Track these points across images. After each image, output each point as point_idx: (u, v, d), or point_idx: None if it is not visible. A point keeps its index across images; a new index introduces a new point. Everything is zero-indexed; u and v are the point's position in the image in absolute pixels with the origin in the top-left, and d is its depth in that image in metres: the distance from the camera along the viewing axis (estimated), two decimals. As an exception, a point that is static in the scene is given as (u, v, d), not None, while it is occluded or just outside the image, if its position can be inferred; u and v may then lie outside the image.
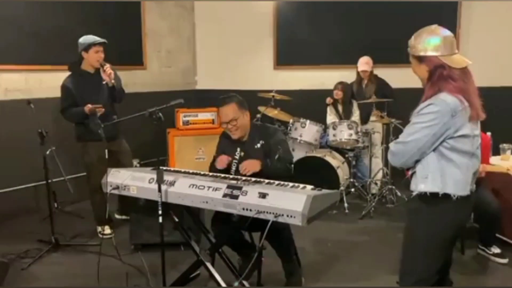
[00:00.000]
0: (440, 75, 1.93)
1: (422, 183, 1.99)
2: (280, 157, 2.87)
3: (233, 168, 2.95)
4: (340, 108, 5.22)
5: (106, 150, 3.30)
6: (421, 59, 2.00)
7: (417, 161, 2.00)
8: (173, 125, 5.52)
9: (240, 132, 2.95)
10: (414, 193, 2.04)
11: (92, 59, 3.88)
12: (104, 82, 3.91)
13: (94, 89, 3.91)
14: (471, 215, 2.20)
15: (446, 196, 1.95)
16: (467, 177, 1.97)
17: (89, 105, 3.74)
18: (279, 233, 2.75)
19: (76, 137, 4.01)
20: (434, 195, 1.96)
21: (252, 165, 2.79)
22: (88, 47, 3.87)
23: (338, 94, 5.14)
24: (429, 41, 1.97)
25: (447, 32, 1.99)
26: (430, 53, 1.96)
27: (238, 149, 2.97)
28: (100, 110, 3.78)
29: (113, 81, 3.87)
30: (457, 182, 1.95)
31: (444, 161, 1.95)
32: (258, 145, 2.95)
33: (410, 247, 2.11)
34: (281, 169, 2.82)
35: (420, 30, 2.03)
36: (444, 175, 1.95)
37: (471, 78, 1.98)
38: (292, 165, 2.98)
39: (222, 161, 2.91)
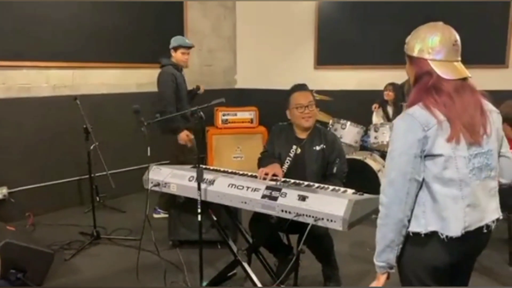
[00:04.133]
0: (425, 84, 1.62)
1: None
2: (337, 173, 2.79)
3: (285, 166, 2.85)
4: (389, 109, 5.11)
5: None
6: (411, 60, 1.70)
7: None
8: (212, 124, 5.56)
9: (312, 121, 2.87)
10: None
11: (179, 59, 4.30)
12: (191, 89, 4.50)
13: (183, 83, 4.31)
14: (467, 258, 1.73)
15: (432, 234, 1.61)
16: (456, 212, 1.59)
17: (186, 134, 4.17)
18: (319, 240, 2.69)
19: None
20: (418, 234, 1.64)
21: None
22: (177, 47, 4.27)
23: (390, 95, 5.03)
24: (423, 40, 1.64)
25: (451, 34, 1.65)
26: (420, 54, 1.65)
27: (294, 147, 2.87)
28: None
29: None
30: (443, 219, 1.59)
31: (429, 194, 1.62)
32: (317, 148, 2.85)
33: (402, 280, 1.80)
34: (336, 185, 2.64)
35: (421, 26, 1.70)
36: (427, 211, 1.62)
37: (470, 94, 1.63)
38: (345, 178, 2.87)
39: (266, 174, 2.68)
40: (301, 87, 2.94)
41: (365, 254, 3.60)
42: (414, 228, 1.65)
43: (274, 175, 2.67)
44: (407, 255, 1.71)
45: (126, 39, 5.10)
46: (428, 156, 1.60)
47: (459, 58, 1.69)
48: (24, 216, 4.21)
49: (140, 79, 5.31)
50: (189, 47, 4.34)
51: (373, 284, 1.73)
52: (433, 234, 1.62)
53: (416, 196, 1.64)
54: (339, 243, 3.10)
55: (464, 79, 1.66)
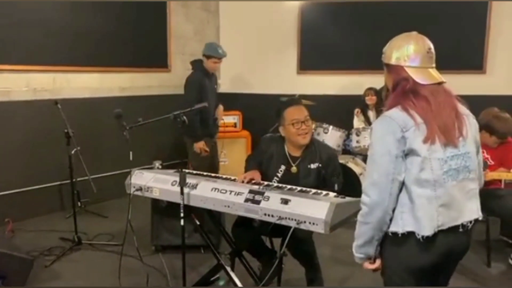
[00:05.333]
0: (402, 89, 1.70)
1: None
2: (335, 190, 2.64)
3: (274, 185, 2.68)
4: (370, 114, 5.17)
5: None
6: (388, 68, 1.79)
7: None
8: (195, 128, 5.54)
9: (309, 138, 2.72)
10: None
11: (210, 67, 4.41)
12: (215, 86, 4.50)
13: (210, 88, 4.41)
14: (445, 258, 1.74)
15: (408, 234, 1.67)
16: (430, 212, 1.64)
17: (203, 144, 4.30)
18: (300, 244, 2.68)
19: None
20: (396, 234, 1.69)
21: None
22: (209, 56, 4.36)
23: (372, 99, 5.09)
24: (399, 49, 1.74)
25: (424, 42, 1.75)
26: (397, 62, 1.74)
27: (283, 166, 2.74)
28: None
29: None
30: (418, 219, 1.65)
31: (406, 195, 1.67)
32: (313, 166, 2.71)
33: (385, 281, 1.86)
34: None
35: (397, 36, 1.81)
36: (405, 212, 1.67)
37: (445, 98, 1.71)
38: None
39: (246, 178, 2.68)
40: (295, 101, 2.83)
41: (347, 257, 3.62)
42: (392, 228, 1.70)
43: (252, 179, 2.68)
44: (388, 255, 1.76)
45: (109, 43, 5.06)
46: (407, 154, 1.65)
47: (434, 65, 1.78)
48: (3, 222, 4.12)
49: (122, 83, 5.27)
50: (221, 58, 4.42)
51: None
52: (410, 235, 1.67)
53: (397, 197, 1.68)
54: (321, 246, 3.12)
55: (439, 84, 1.74)
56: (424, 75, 1.72)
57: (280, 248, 2.62)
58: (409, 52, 1.73)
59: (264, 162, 2.84)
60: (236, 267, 2.89)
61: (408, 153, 1.65)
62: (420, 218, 1.65)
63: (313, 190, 2.50)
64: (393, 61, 1.76)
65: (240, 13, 6.56)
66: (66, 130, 3.72)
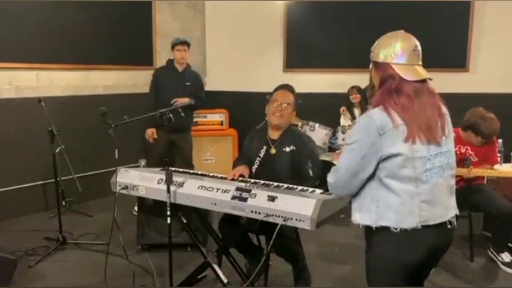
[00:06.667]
0: (388, 87, 1.74)
1: (357, 214, 1.81)
2: (310, 176, 2.76)
3: (254, 167, 2.87)
4: (356, 112, 5.21)
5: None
6: (376, 65, 1.83)
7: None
8: (181, 126, 5.52)
9: (283, 121, 2.86)
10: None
11: (176, 57, 4.44)
12: (188, 83, 4.45)
13: (177, 85, 4.40)
14: (433, 254, 1.78)
15: (384, 229, 1.72)
16: (411, 207, 1.69)
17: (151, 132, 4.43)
18: (284, 241, 2.69)
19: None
20: (370, 227, 1.76)
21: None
22: (172, 46, 4.42)
23: (356, 98, 5.13)
24: (387, 47, 1.78)
25: (411, 40, 1.80)
26: (384, 59, 1.78)
27: (265, 147, 2.89)
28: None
29: (184, 102, 4.11)
30: (397, 213, 1.69)
31: (383, 190, 1.72)
32: (287, 149, 2.84)
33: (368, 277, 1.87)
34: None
35: (384, 35, 1.85)
36: (379, 206, 1.72)
37: (429, 96, 1.75)
38: (318, 180, 2.80)
39: (234, 174, 2.79)
40: (285, 87, 2.99)
41: (333, 253, 3.67)
42: (365, 221, 1.78)
43: (240, 175, 2.74)
44: (370, 252, 1.81)
45: (93, 40, 5.00)
46: (386, 158, 1.70)
47: (420, 62, 1.82)
48: (-14, 222, 4.07)
49: (107, 81, 5.22)
50: (182, 43, 4.40)
51: None
52: (385, 230, 1.72)
53: (366, 189, 1.77)
54: (307, 243, 3.15)
55: (424, 81, 1.78)
56: (410, 71, 1.75)
57: (266, 245, 2.63)
58: (396, 49, 1.77)
59: (253, 151, 2.94)
60: (223, 264, 2.90)
61: (386, 154, 1.69)
62: (402, 212, 1.70)
63: (300, 187, 2.52)
64: (380, 59, 1.80)
65: (226, 11, 6.55)
66: (50, 128, 3.66)
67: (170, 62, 4.57)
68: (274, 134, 2.92)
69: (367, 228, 1.78)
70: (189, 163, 4.62)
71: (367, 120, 1.72)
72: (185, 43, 4.45)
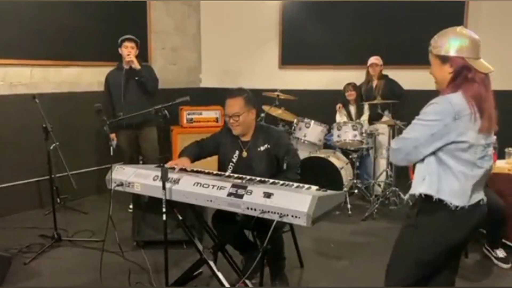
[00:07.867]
0: (465, 77, 1.86)
1: (419, 185, 1.93)
2: (289, 166, 2.76)
3: (229, 170, 2.84)
4: (352, 109, 5.22)
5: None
6: (445, 59, 1.92)
7: (416, 164, 1.96)
8: (177, 123, 5.51)
9: (241, 129, 2.84)
10: (413, 197, 1.99)
11: (123, 55, 4.29)
12: (136, 78, 4.30)
13: (121, 83, 4.29)
14: (473, 231, 1.98)
15: (442, 203, 1.87)
16: (465, 187, 1.87)
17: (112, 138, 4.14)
18: (277, 238, 2.71)
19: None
20: (430, 199, 1.88)
21: None
22: (120, 44, 4.31)
23: (352, 95, 5.14)
24: (456, 42, 1.89)
25: (475, 35, 1.93)
26: (456, 53, 1.88)
27: (237, 152, 2.87)
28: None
29: (133, 65, 4.23)
30: (453, 191, 1.86)
31: (442, 167, 1.88)
32: (262, 148, 2.84)
33: (400, 255, 2.04)
34: (291, 178, 2.68)
35: (445, 30, 1.96)
36: (441, 180, 1.88)
37: (490, 87, 1.91)
38: (299, 168, 2.86)
39: (176, 164, 2.79)
40: (231, 93, 2.87)
41: (328, 250, 3.68)
42: (428, 190, 1.89)
43: (181, 169, 2.74)
44: (424, 224, 1.95)
45: (88, 37, 4.98)
46: (454, 142, 1.83)
47: (481, 56, 1.96)
48: (-20, 220, 4.05)
49: (101, 77, 5.18)
50: (129, 40, 4.30)
51: None
52: (442, 204, 1.87)
53: (426, 163, 1.90)
54: (303, 239, 3.16)
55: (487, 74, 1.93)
56: (481, 65, 1.89)
57: (261, 243, 2.63)
58: (467, 44, 1.89)
59: (220, 149, 2.94)
60: (219, 261, 2.90)
61: (455, 140, 1.82)
62: (456, 190, 1.86)
63: (296, 184, 2.52)
64: (452, 53, 1.89)
65: (221, 7, 6.53)
66: (44, 125, 3.64)
67: (119, 62, 4.42)
68: (245, 137, 2.90)
69: (427, 199, 1.89)
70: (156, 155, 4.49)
71: (446, 103, 1.82)
72: (132, 40, 4.35)
